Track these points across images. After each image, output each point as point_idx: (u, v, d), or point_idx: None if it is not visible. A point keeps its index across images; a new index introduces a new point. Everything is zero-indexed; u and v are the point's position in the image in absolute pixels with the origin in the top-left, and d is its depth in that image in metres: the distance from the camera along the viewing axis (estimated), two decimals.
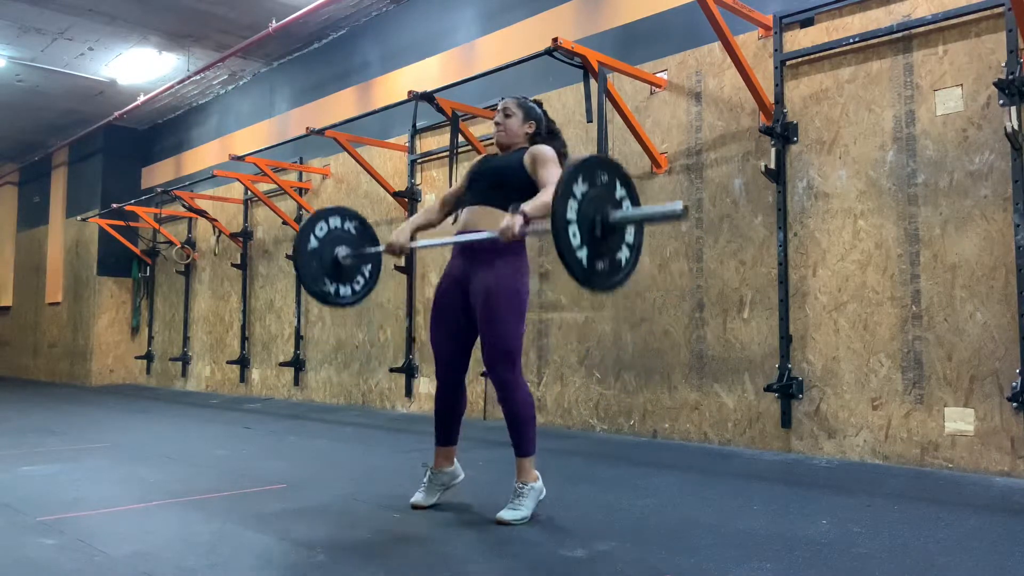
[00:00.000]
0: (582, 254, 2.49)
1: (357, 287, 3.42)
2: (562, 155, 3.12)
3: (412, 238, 3.21)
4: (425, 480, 3.15)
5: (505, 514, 2.84)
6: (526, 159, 3.01)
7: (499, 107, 3.15)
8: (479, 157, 3.29)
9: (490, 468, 3.39)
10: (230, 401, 8.17)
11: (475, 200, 3.06)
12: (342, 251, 3.31)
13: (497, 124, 3.13)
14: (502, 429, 3.05)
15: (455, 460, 3.20)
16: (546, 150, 3.01)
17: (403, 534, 2.76)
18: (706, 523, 2.87)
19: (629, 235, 2.67)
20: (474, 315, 3.00)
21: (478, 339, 3.04)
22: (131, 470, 4.08)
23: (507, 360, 2.90)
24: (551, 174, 2.88)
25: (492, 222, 2.91)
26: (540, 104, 3.24)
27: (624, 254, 2.65)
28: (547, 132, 3.19)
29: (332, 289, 3.31)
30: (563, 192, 2.46)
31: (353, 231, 3.40)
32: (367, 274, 3.44)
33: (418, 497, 3.12)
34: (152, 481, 3.78)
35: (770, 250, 4.44)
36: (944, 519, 2.88)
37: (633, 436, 4.97)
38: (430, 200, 6.57)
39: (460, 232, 3.04)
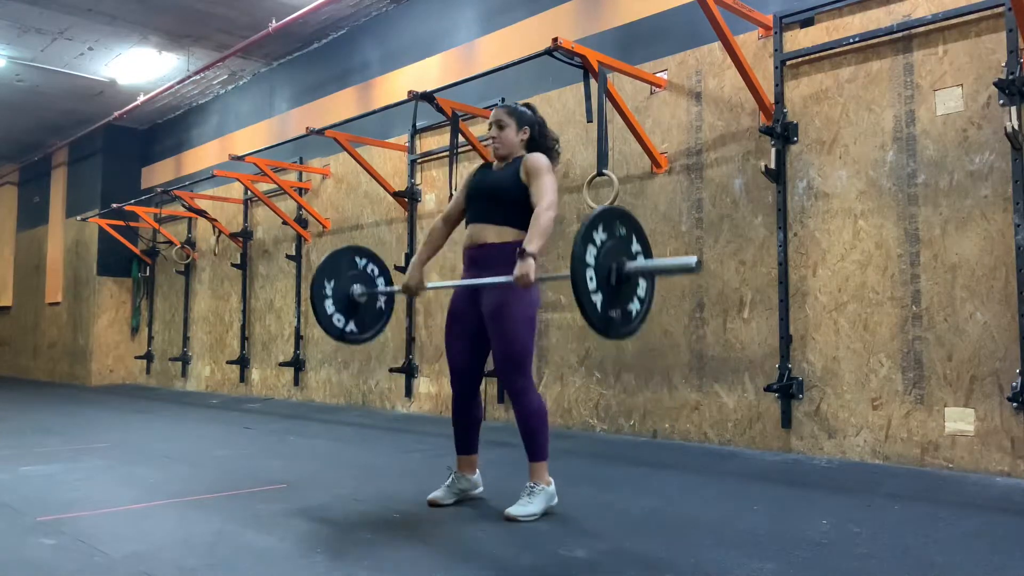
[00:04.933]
0: (597, 299, 2.59)
1: (370, 324, 3.58)
2: (551, 149, 3.17)
3: (423, 278, 3.28)
4: (447, 481, 3.19)
5: (513, 509, 2.86)
6: (521, 171, 3.02)
7: (491, 119, 3.15)
8: (476, 167, 3.30)
9: (490, 468, 3.39)
10: (230, 401, 8.17)
11: (477, 217, 3.10)
12: (357, 289, 3.45)
13: (493, 138, 3.13)
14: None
15: (477, 471, 3.23)
16: (539, 160, 3.01)
17: (403, 534, 2.76)
18: (706, 523, 2.87)
19: (641, 289, 2.77)
20: (480, 316, 3.04)
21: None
22: (131, 470, 4.08)
23: (518, 368, 2.93)
24: (544, 186, 2.93)
25: (496, 236, 3.00)
26: (531, 107, 3.22)
27: (636, 306, 2.75)
28: (540, 134, 3.18)
29: (347, 327, 3.46)
30: (583, 238, 2.56)
31: (367, 269, 3.55)
32: (381, 311, 3.58)
33: (436, 494, 3.17)
34: (152, 481, 3.78)
35: (770, 250, 4.44)
36: (944, 519, 2.88)
37: (633, 436, 4.97)
38: (430, 201, 6.58)
39: (468, 247, 3.10)
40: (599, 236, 2.62)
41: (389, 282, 3.60)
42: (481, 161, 5.73)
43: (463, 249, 3.15)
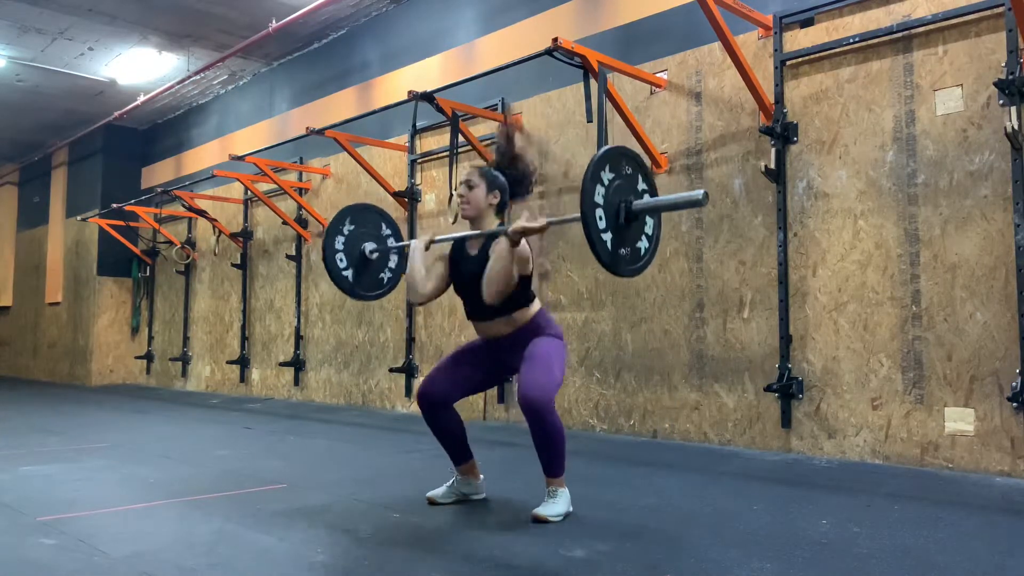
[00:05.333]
0: (607, 238, 2.62)
1: (383, 281, 3.62)
2: (524, 178, 3.14)
3: (428, 246, 3.25)
4: (449, 483, 3.20)
5: (541, 510, 2.86)
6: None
7: (462, 179, 3.12)
8: (450, 248, 3.23)
9: (490, 468, 3.39)
10: (230, 401, 8.17)
11: (477, 315, 3.08)
12: (369, 246, 3.46)
13: (461, 197, 3.10)
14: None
15: (480, 476, 3.24)
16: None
17: (403, 534, 2.76)
18: (706, 523, 2.87)
19: (648, 227, 2.79)
20: (494, 376, 3.14)
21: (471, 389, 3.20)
22: (131, 470, 4.08)
23: (547, 388, 2.85)
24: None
25: (508, 326, 3.01)
26: (508, 168, 3.17)
27: (644, 244, 2.78)
28: (511, 164, 3.14)
29: (348, 272, 3.54)
30: (591, 178, 2.57)
31: (377, 227, 3.58)
32: (392, 269, 3.60)
33: (435, 492, 3.19)
34: (152, 481, 3.78)
35: (770, 250, 4.44)
36: (944, 519, 2.88)
37: (633, 436, 4.97)
38: (430, 201, 6.58)
39: (484, 339, 3.10)
40: (606, 175, 2.63)
41: (395, 231, 3.67)
42: (481, 163, 5.74)
43: (478, 337, 3.15)
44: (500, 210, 3.12)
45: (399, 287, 3.91)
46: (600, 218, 2.59)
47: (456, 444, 3.17)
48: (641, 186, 2.77)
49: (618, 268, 2.68)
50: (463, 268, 3.09)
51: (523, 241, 2.90)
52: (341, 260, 3.47)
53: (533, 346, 2.96)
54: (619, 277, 2.85)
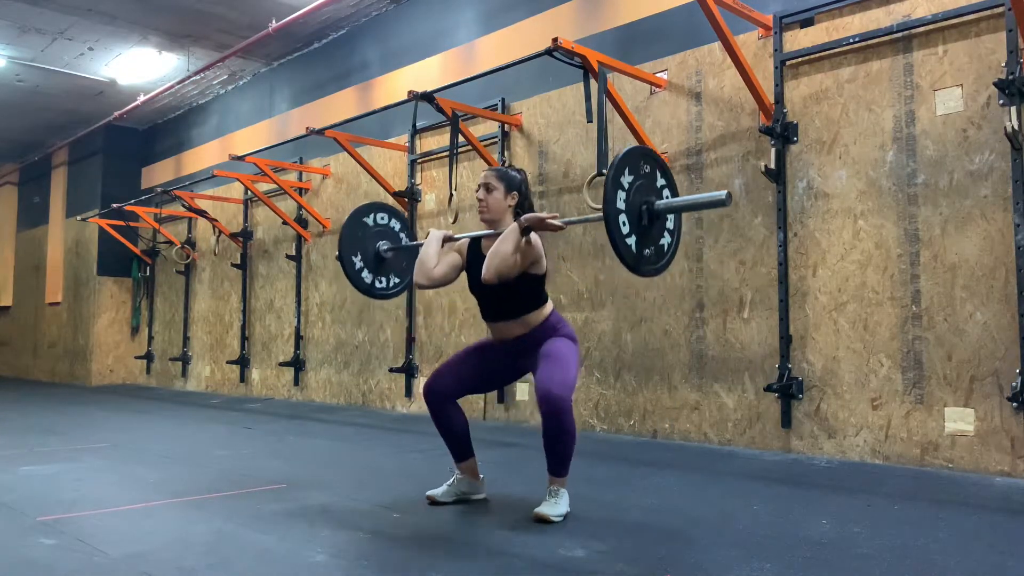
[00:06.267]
0: (631, 242, 2.66)
1: (396, 280, 3.68)
2: (524, 197, 3.13)
3: (445, 241, 3.24)
4: (449, 481, 3.21)
5: (544, 510, 2.85)
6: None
7: (480, 181, 3.11)
8: (467, 245, 3.21)
9: (490, 469, 3.40)
10: (230, 401, 8.17)
11: (493, 317, 3.10)
12: (384, 245, 3.49)
13: (480, 200, 3.08)
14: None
15: (479, 476, 3.24)
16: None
17: (403, 534, 2.76)
18: (706, 523, 2.87)
19: (669, 221, 2.83)
20: (504, 376, 3.17)
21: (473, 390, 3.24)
22: (131, 470, 4.09)
23: (566, 386, 2.84)
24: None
25: (523, 327, 3.02)
26: (521, 171, 3.20)
27: (666, 239, 2.82)
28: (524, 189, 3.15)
29: (373, 281, 3.59)
30: (612, 183, 2.61)
31: (392, 226, 3.62)
32: (405, 269, 3.69)
33: (435, 491, 3.19)
34: (152, 481, 3.78)
35: (770, 250, 4.44)
36: (944, 519, 2.88)
37: (633, 436, 4.97)
38: (430, 201, 6.58)
39: (499, 340, 3.11)
40: (626, 179, 2.65)
41: (408, 231, 3.74)
42: (484, 166, 5.74)
43: (492, 337, 3.16)
44: (520, 211, 3.10)
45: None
46: (624, 223, 2.61)
47: (459, 441, 3.17)
48: (660, 182, 2.80)
49: (640, 269, 2.73)
50: (479, 267, 3.06)
51: (534, 236, 2.90)
52: (357, 260, 3.51)
53: (549, 344, 2.96)
54: (643, 276, 2.89)
